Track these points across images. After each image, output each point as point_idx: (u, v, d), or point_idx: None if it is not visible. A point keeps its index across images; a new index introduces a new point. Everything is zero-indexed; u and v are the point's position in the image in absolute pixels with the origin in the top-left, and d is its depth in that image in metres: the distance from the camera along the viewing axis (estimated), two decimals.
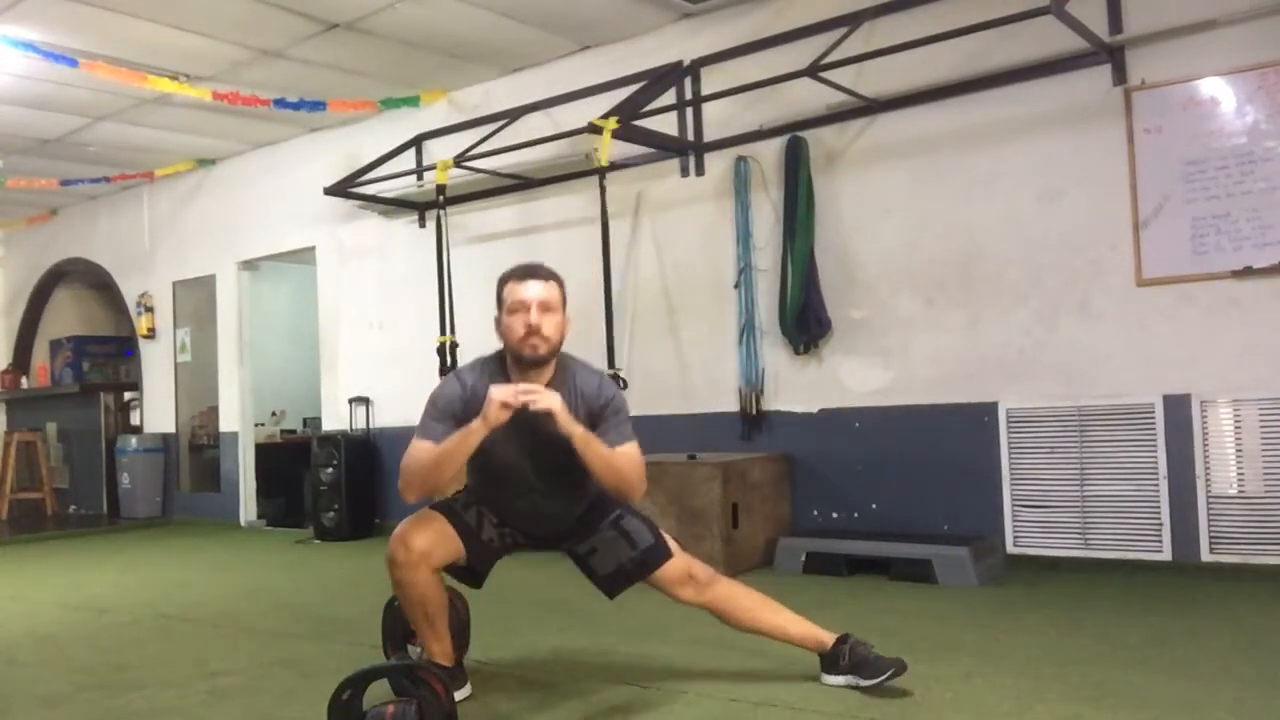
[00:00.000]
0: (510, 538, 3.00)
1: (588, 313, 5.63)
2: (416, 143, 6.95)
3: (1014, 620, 3.72)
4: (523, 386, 2.65)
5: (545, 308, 2.75)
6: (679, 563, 2.90)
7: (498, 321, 2.83)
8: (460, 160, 6.07)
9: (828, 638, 2.91)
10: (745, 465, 5.11)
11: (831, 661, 2.90)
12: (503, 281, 2.84)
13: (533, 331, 2.73)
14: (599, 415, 2.81)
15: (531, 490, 2.89)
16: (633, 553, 2.90)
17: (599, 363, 5.43)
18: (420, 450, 2.74)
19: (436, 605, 2.86)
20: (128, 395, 9.74)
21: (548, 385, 2.76)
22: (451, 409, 2.78)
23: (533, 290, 2.76)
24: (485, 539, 2.94)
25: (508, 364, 2.84)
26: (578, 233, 6.14)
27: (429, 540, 2.82)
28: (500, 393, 2.62)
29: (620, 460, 2.77)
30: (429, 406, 2.82)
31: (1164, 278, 4.45)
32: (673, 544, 2.94)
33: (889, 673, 2.79)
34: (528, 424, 2.69)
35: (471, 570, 2.98)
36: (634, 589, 2.96)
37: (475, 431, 2.65)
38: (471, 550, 2.92)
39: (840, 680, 2.88)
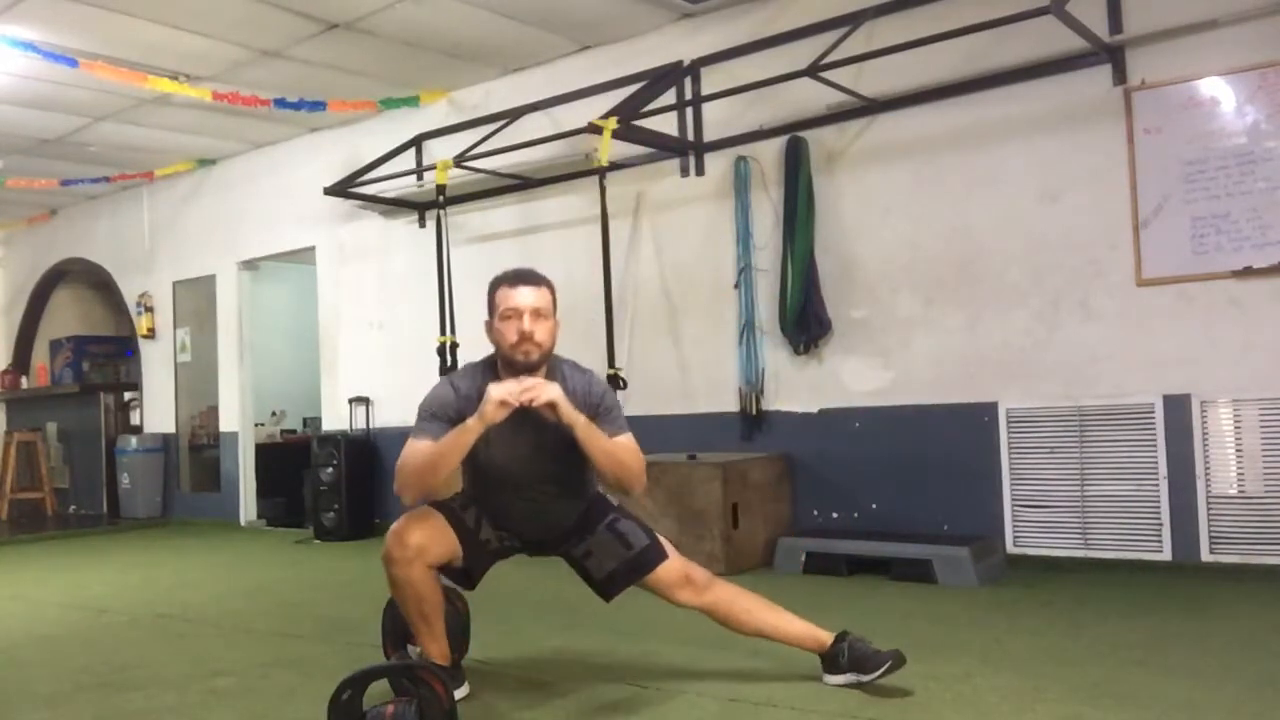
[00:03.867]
0: (508, 541, 2.99)
1: (588, 312, 5.64)
2: (416, 143, 6.95)
3: (1014, 620, 3.72)
4: (525, 382, 2.65)
5: (538, 315, 2.76)
6: (675, 565, 2.89)
7: (489, 326, 2.84)
8: (460, 160, 6.07)
9: (826, 637, 2.91)
10: (745, 465, 5.11)
11: (832, 661, 2.90)
12: (494, 287, 2.84)
13: (525, 338, 2.75)
14: (594, 412, 2.81)
15: (530, 490, 2.88)
16: (628, 554, 2.89)
17: (599, 363, 5.43)
18: (416, 450, 2.74)
19: (432, 604, 2.86)
20: (128, 395, 9.73)
21: None
22: (445, 411, 2.79)
23: (525, 297, 2.77)
24: (483, 539, 2.92)
25: (499, 369, 2.85)
26: (578, 233, 6.14)
27: (425, 536, 2.81)
28: (499, 391, 2.62)
29: (621, 450, 2.80)
30: (421, 411, 2.83)
31: (1164, 277, 4.45)
32: (668, 546, 2.94)
33: (887, 664, 2.78)
34: (527, 422, 2.69)
35: (466, 572, 2.96)
36: (632, 592, 2.96)
37: (471, 429, 2.65)
38: (468, 549, 2.91)
39: (842, 680, 2.87)
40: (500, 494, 2.91)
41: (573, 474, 2.87)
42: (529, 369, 2.78)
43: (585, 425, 2.71)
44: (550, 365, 2.86)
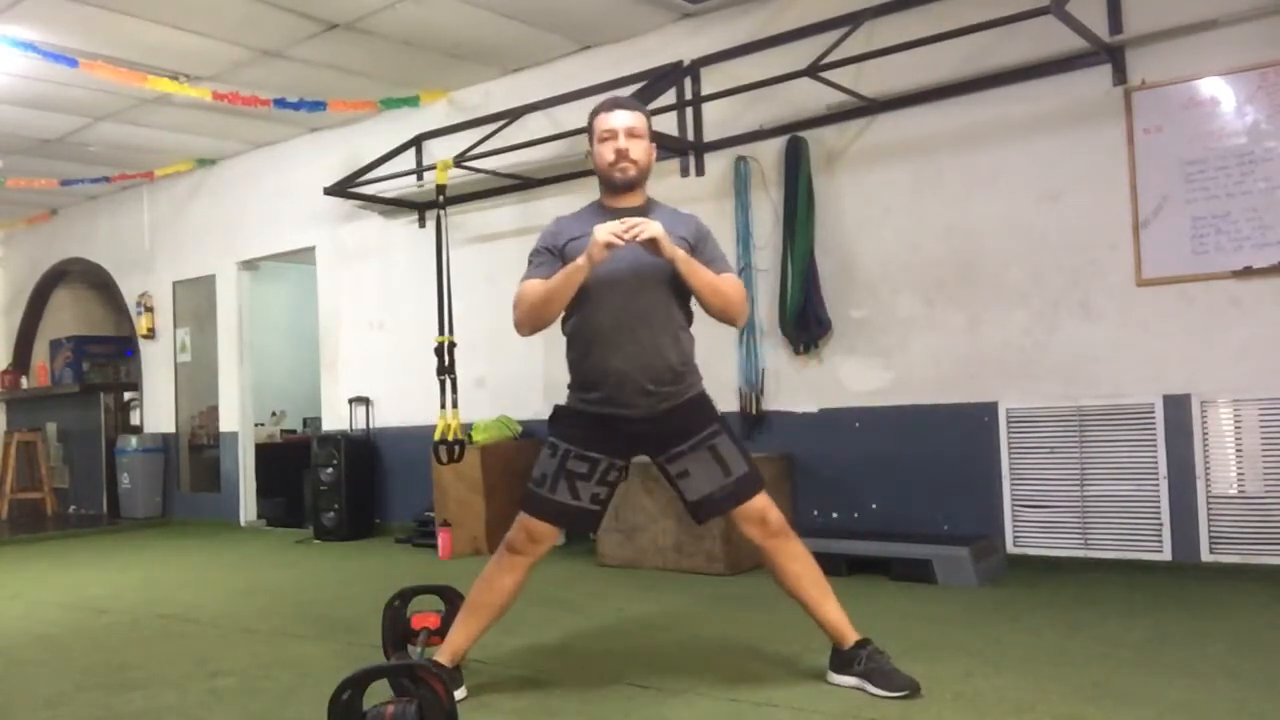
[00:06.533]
0: (608, 470, 2.94)
1: None
2: (416, 143, 6.95)
3: (1014, 620, 3.72)
4: (627, 221, 2.71)
5: (632, 134, 2.89)
6: (761, 500, 2.91)
7: (589, 154, 2.97)
8: (460, 160, 6.07)
9: (851, 636, 2.91)
10: None
11: (845, 662, 2.90)
12: (592, 115, 2.97)
13: (621, 155, 2.87)
14: (695, 244, 2.90)
15: (632, 333, 2.85)
16: (725, 480, 2.90)
17: None
18: (529, 288, 2.87)
19: (497, 607, 2.97)
20: (128, 395, 9.73)
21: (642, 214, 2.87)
22: (555, 244, 2.92)
23: (620, 119, 2.90)
24: (587, 507, 2.95)
25: (601, 197, 2.98)
26: None
27: (546, 541, 2.96)
28: (603, 231, 2.69)
29: (723, 283, 2.87)
30: (533, 251, 2.96)
31: (1164, 278, 4.45)
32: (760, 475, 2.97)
33: (903, 693, 2.78)
34: (629, 261, 2.77)
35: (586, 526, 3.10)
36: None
37: (579, 268, 2.74)
38: (578, 523, 3.02)
39: (848, 681, 2.88)
40: (603, 343, 2.88)
41: (672, 314, 2.91)
42: (628, 187, 2.91)
43: (686, 260, 2.79)
44: (650, 205, 2.97)
